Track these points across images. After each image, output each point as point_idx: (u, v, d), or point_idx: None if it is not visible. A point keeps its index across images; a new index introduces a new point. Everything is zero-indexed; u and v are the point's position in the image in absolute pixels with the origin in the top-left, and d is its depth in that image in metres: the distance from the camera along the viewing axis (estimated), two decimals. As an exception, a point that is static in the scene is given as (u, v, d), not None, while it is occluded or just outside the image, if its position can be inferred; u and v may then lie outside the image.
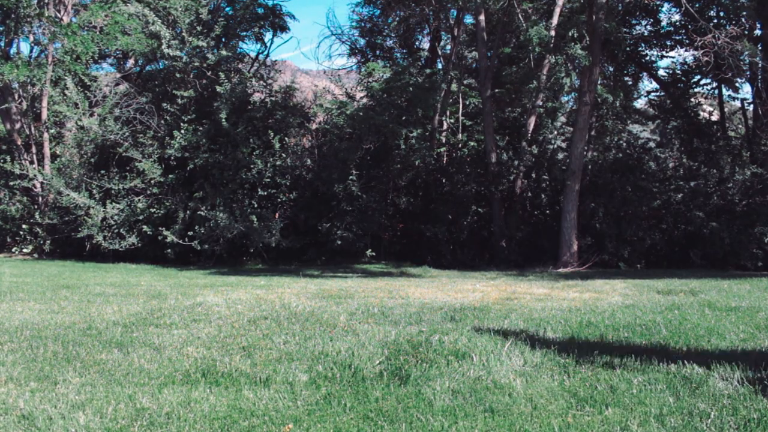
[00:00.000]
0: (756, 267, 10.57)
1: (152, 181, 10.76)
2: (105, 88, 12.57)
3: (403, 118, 11.68)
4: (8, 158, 11.26)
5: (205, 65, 11.06)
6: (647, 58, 14.13)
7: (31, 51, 12.46)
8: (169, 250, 10.51)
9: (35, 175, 11.24)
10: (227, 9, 12.10)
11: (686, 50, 13.10)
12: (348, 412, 2.19)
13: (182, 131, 10.67)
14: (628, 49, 12.69)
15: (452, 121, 13.98)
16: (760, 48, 10.55)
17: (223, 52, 11.10)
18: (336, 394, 2.37)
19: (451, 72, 12.67)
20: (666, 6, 13.29)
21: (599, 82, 11.86)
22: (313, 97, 13.09)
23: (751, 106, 13.35)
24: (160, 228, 10.44)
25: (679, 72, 14.15)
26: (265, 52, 12.59)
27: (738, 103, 14.44)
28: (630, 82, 15.24)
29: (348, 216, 10.97)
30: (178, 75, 11.33)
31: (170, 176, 10.78)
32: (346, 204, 11.00)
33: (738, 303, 4.39)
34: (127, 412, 2.19)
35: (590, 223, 11.37)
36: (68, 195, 10.51)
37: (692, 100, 14.06)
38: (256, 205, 10.83)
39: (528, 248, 11.56)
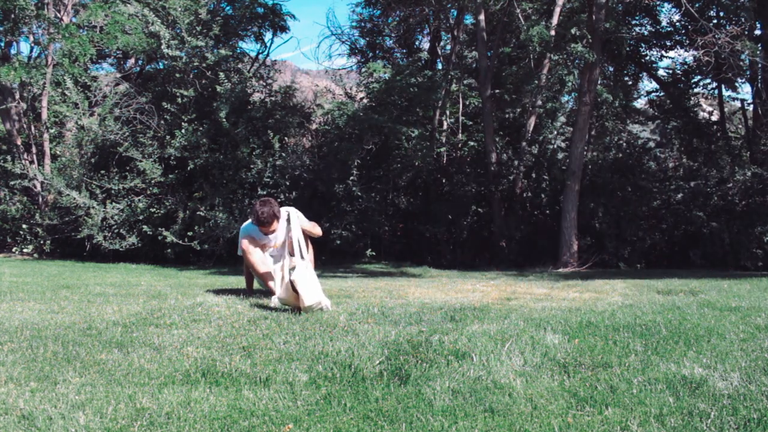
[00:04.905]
0: (756, 267, 10.57)
1: (152, 181, 10.76)
2: (105, 88, 12.56)
3: (404, 118, 11.68)
4: (8, 158, 11.26)
5: (204, 65, 11.06)
6: (647, 58, 14.14)
7: (31, 51, 12.47)
8: (168, 250, 10.51)
9: (35, 175, 11.24)
10: (227, 8, 12.11)
11: (686, 50, 13.11)
12: (348, 412, 2.19)
13: (182, 131, 10.67)
14: (628, 49, 12.70)
15: (452, 121, 13.98)
16: (760, 48, 10.55)
17: (223, 52, 11.11)
18: (336, 394, 2.37)
19: (451, 72, 12.67)
20: (666, 6, 13.31)
21: (599, 82, 11.86)
22: (313, 97, 13.11)
23: (751, 106, 13.35)
24: (159, 228, 10.44)
25: (679, 72, 14.15)
26: (265, 52, 12.61)
27: (738, 103, 14.44)
28: (630, 82, 15.24)
29: (348, 216, 10.98)
30: (178, 75, 11.34)
31: (170, 176, 10.79)
32: (346, 204, 11.00)
33: (738, 303, 4.39)
34: (127, 412, 2.19)
35: (590, 223, 11.38)
36: (68, 195, 10.51)
37: (692, 100, 14.06)
38: (256, 205, 10.82)
39: (528, 248, 11.56)
